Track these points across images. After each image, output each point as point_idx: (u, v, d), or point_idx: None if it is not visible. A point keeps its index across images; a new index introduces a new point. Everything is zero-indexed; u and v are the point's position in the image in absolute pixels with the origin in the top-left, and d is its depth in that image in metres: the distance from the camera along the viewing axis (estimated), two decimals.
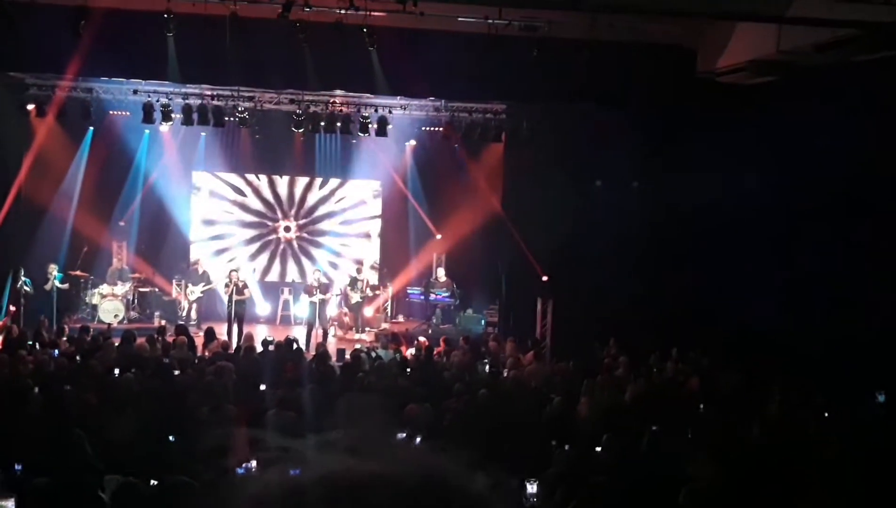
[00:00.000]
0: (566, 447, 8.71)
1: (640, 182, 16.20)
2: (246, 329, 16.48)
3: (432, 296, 19.38)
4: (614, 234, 15.94)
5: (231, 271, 17.55)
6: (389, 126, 17.97)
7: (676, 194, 16.29)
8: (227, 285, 17.21)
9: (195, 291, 18.43)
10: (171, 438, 8.12)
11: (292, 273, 20.73)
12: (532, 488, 7.24)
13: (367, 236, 21.14)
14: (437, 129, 18.71)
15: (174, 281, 19.08)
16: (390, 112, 17.80)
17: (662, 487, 6.86)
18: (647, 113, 15.41)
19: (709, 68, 14.19)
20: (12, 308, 16.05)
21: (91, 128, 18.14)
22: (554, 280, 16.87)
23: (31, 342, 13.42)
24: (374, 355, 13.49)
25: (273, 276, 20.64)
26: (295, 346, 13.87)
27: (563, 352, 14.66)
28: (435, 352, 14.00)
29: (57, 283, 16.98)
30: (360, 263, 20.15)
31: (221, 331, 16.04)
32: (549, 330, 16.64)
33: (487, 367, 13.32)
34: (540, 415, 10.06)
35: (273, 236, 20.73)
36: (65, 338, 14.09)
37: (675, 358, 13.61)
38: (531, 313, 17.20)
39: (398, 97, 16.77)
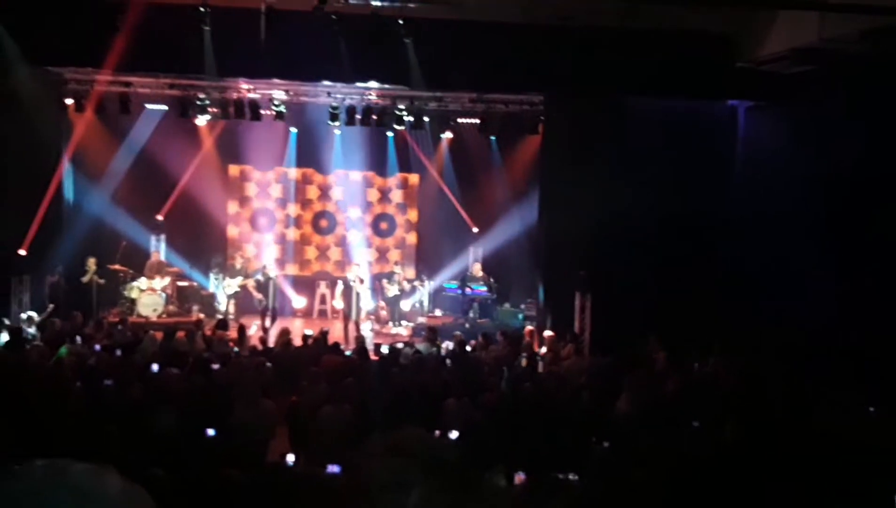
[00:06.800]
0: (605, 443, 8.59)
1: (682, 174, 15.92)
2: (282, 323, 16.50)
3: (469, 290, 19.27)
4: (656, 227, 15.70)
5: (264, 266, 17.65)
6: (425, 119, 17.88)
7: (720, 186, 16.04)
8: (260, 280, 17.31)
9: (232, 284, 18.47)
10: (210, 433, 8.10)
11: (330, 267, 20.75)
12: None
13: (405, 229, 21.13)
14: (473, 120, 18.57)
15: (211, 275, 19.16)
16: (426, 104, 17.69)
17: (702, 482, 6.72)
18: (689, 102, 15.18)
19: (750, 57, 13.95)
20: (51, 306, 16.10)
21: (131, 122, 18.28)
22: (593, 274, 16.67)
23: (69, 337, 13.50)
24: (413, 349, 13.43)
25: (310, 269, 20.69)
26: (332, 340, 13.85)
27: (602, 346, 14.49)
28: (469, 345, 13.91)
29: (95, 277, 17.11)
30: (397, 256, 20.19)
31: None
32: (587, 324, 16.47)
33: (525, 361, 13.19)
34: (576, 410, 9.94)
35: (306, 230, 20.78)
36: (104, 332, 14.16)
37: (717, 353, 13.39)
38: (570, 307, 17.04)
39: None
